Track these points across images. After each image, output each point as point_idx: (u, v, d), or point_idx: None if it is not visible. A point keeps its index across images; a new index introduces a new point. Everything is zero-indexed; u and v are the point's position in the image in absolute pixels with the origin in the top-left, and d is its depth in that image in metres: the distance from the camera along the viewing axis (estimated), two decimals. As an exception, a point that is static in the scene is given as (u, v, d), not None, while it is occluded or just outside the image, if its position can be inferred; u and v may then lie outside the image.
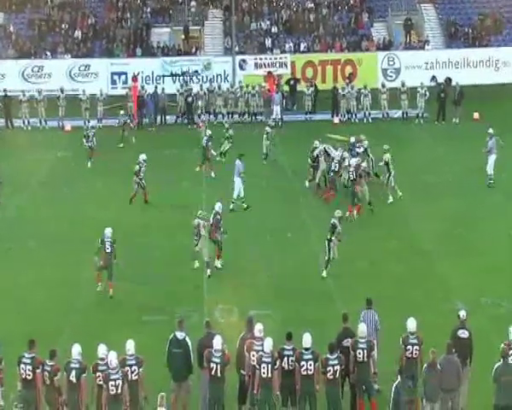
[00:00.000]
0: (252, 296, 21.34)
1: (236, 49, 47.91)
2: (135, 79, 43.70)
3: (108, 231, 22.29)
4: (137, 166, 28.81)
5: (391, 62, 47.63)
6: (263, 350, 15.36)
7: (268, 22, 50.87)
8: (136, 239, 25.73)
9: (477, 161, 31.58)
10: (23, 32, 50.45)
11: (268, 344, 15.35)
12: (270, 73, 45.14)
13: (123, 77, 47.01)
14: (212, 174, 32.15)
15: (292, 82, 45.47)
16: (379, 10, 51.74)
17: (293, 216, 27.96)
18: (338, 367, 15.28)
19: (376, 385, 16.03)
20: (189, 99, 42.44)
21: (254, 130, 36.02)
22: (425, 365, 15.26)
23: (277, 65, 47.12)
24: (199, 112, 42.27)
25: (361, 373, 15.74)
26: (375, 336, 16.77)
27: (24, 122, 41.96)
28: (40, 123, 41.87)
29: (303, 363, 15.29)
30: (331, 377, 15.28)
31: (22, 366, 15.27)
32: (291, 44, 49.03)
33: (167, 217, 27.96)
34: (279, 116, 41.48)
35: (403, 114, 42.16)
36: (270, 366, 15.19)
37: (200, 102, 42.56)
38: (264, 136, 34.18)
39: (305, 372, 15.28)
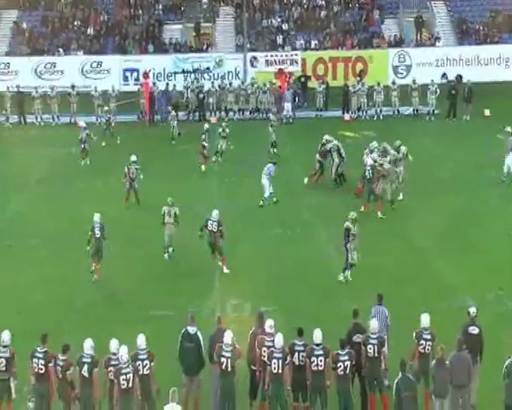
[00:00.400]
0: (262, 292, 21.38)
1: (248, 46, 48.37)
2: (146, 75, 44.02)
3: (97, 216, 22.73)
4: (126, 168, 28.22)
5: (402, 59, 47.94)
6: (274, 346, 15.44)
7: (279, 19, 51.32)
8: (143, 235, 25.66)
9: (488, 158, 31.68)
10: (36, 29, 51.12)
11: (279, 340, 15.36)
12: (281, 70, 45.37)
13: (135, 73, 47.56)
14: (203, 168, 32.26)
15: (303, 79, 45.69)
16: (390, 7, 52.15)
17: (301, 211, 28.06)
18: (348, 363, 15.27)
19: (387, 381, 16.07)
20: (201, 96, 42.73)
21: None
22: (434, 361, 15.26)
23: (288, 62, 47.55)
24: (210, 108, 42.61)
25: (372, 369, 15.73)
26: (386, 332, 16.83)
27: (37, 118, 42.26)
28: (53, 119, 42.20)
29: (314, 359, 15.30)
30: (342, 372, 15.29)
31: (35, 360, 15.35)
32: (302, 42, 49.53)
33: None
34: (290, 113, 41.71)
35: (414, 110, 42.28)
36: (280, 361, 15.20)
37: (211, 99, 42.83)
38: (270, 129, 34.48)
39: (315, 368, 15.29)
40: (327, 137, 30.66)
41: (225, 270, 22.96)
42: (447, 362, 15.17)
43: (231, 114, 42.70)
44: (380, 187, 27.26)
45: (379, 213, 26.92)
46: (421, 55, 48.01)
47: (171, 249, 24.05)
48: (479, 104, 40.60)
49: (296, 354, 15.48)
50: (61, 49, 49.34)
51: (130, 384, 14.75)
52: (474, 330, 16.22)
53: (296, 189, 30.31)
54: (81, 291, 22.06)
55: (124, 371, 14.77)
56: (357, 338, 15.99)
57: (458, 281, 22.09)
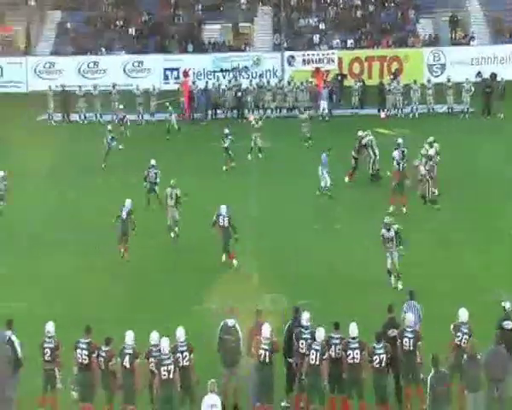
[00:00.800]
0: (299, 286, 21.55)
1: (285, 45, 48.92)
2: (186, 74, 44.95)
3: (128, 202, 24.16)
4: (145, 172, 28.27)
5: (436, 58, 48.30)
6: (312, 338, 15.78)
7: (316, 19, 51.91)
8: (184, 227, 25.88)
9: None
10: (80, 29, 52.19)
11: (320, 333, 15.61)
12: (317, 68, 45.96)
13: (175, 72, 48.40)
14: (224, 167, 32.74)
15: (339, 77, 46.21)
16: (425, 7, 52.29)
17: (338, 207, 28.36)
18: (384, 356, 15.42)
19: (422, 374, 15.96)
20: (239, 94, 43.58)
21: None
22: (465, 356, 15.31)
23: (325, 61, 48.06)
24: (248, 107, 43.35)
25: (408, 362, 15.82)
26: (419, 327, 16.87)
27: (80, 116, 43.16)
28: (96, 117, 42.95)
29: (350, 352, 15.52)
30: (377, 365, 15.44)
31: (78, 350, 15.67)
32: (338, 41, 50.04)
33: (212, 205, 28.50)
34: (326, 111, 42.44)
35: (448, 109, 42.54)
36: (319, 353, 15.44)
37: (249, 97, 43.59)
38: (303, 124, 35.28)
39: (351, 361, 15.51)
40: (360, 133, 31.03)
41: (235, 263, 23.26)
42: (479, 356, 15.23)
43: (269, 111, 43.54)
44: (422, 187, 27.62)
45: (403, 209, 27.12)
46: (455, 54, 48.28)
47: (175, 230, 24.97)
48: (513, 102, 40.61)
49: (333, 347, 15.73)
50: (103, 49, 50.38)
51: (171, 376, 15.09)
52: (508, 324, 16.28)
53: (336, 184, 30.21)
54: (122, 281, 22.58)
55: (165, 362, 15.11)
56: (392, 333, 16.18)
57: (492, 275, 22.13)
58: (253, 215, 27.51)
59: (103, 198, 28.93)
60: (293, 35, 50.92)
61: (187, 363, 15.53)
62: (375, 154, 30.51)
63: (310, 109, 41.05)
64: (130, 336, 15.64)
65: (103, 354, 15.61)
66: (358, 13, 52.05)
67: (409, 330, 15.95)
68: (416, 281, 20.75)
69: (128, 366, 15.41)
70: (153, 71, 48.84)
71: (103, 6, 53.77)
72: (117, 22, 52.44)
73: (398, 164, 27.97)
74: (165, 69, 49.06)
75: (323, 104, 42.39)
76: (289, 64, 48.38)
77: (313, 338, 15.77)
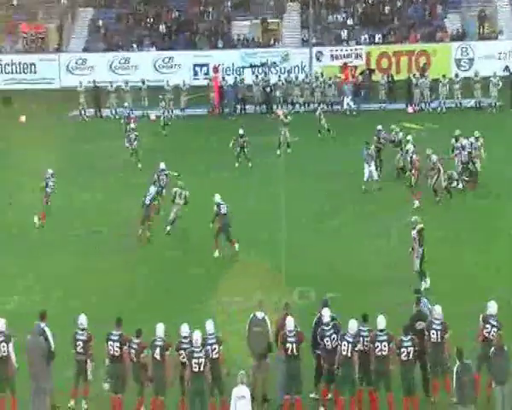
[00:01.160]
0: (327, 279, 21.55)
1: (313, 40, 49.10)
2: (216, 70, 45.40)
3: (152, 188, 25.75)
4: (155, 176, 28.25)
5: (464, 53, 48.28)
6: (336, 332, 15.86)
7: (344, 15, 52.07)
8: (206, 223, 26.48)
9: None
10: (111, 26, 52.75)
11: (353, 325, 15.75)
12: (345, 64, 46.29)
13: (204, 68, 48.82)
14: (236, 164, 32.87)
15: (367, 72, 46.49)
16: (453, 2, 52.25)
17: (365, 202, 28.50)
18: (412, 349, 15.51)
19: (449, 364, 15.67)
20: (268, 89, 44.00)
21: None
22: (492, 348, 15.34)
23: (353, 56, 48.26)
24: (277, 102, 43.79)
25: (435, 354, 15.89)
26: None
27: (112, 112, 43.73)
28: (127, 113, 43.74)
29: (378, 344, 15.58)
30: (405, 358, 15.54)
31: (110, 342, 15.78)
32: (366, 36, 50.18)
33: (242, 199, 28.97)
34: (351, 106, 42.67)
35: (476, 103, 42.63)
36: (351, 345, 15.59)
37: (278, 92, 44.01)
38: (320, 117, 35.91)
39: (379, 353, 15.57)
40: (379, 126, 31.48)
41: (236, 247, 23.99)
42: (506, 348, 15.23)
43: (297, 106, 43.93)
44: (434, 179, 27.65)
45: (416, 203, 27.24)
46: (483, 49, 48.16)
47: (169, 228, 25.75)
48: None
49: (361, 339, 15.79)
50: (134, 45, 50.87)
51: (202, 368, 15.23)
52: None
53: (359, 179, 30.43)
54: (154, 274, 22.91)
55: (196, 354, 15.24)
56: (420, 325, 16.25)
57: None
58: (281, 209, 27.75)
59: (133, 193, 28.92)
60: (322, 31, 51.12)
61: (216, 355, 15.68)
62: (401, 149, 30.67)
63: (334, 104, 41.39)
64: (160, 329, 15.81)
65: (134, 347, 15.77)
66: (386, 8, 52.10)
67: (437, 322, 16.01)
68: (444, 275, 21.12)
69: (159, 358, 15.58)
70: (182, 67, 49.22)
71: (134, 3, 54.18)
72: (147, 19, 52.91)
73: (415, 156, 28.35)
74: (195, 65, 49.47)
75: (347, 100, 42.60)
76: (317, 60, 48.57)
77: (336, 332, 15.97)
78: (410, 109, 42.86)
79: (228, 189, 29.47)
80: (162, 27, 52.15)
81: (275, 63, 48.78)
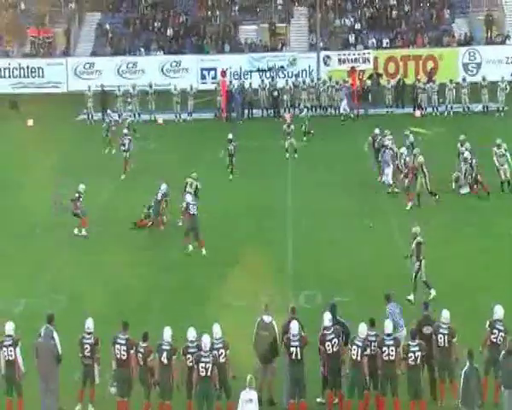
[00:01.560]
0: (334, 283, 21.62)
1: (321, 45, 49.25)
2: (224, 73, 45.46)
3: (164, 186, 26.11)
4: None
5: (472, 57, 48.31)
6: (337, 337, 15.89)
7: (351, 19, 52.14)
8: (220, 223, 26.64)
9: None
10: (118, 30, 52.91)
11: (363, 329, 15.80)
12: (353, 68, 46.26)
13: (212, 72, 48.93)
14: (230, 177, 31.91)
15: (374, 76, 46.42)
16: (460, 6, 52.41)
17: (376, 203, 28.45)
18: (419, 354, 15.52)
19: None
20: (275, 93, 43.98)
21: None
22: (503, 352, 15.36)
23: (360, 60, 48.27)
24: (284, 106, 43.80)
25: (442, 358, 15.93)
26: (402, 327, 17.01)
27: (119, 115, 43.55)
28: (134, 116, 43.19)
29: (385, 349, 15.61)
30: (412, 362, 15.55)
31: (117, 346, 15.81)
32: (374, 40, 50.23)
33: (250, 200, 29.15)
34: (347, 111, 42.54)
35: (483, 107, 42.54)
36: (360, 349, 15.67)
37: (285, 96, 43.96)
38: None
39: (386, 358, 15.61)
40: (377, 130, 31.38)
41: (203, 252, 24.12)
42: None
43: (305, 110, 43.84)
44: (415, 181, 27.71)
45: (409, 205, 27.43)
46: (491, 53, 48.25)
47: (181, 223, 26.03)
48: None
49: (368, 343, 15.83)
50: (142, 49, 51.02)
51: (209, 373, 15.28)
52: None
53: (370, 181, 30.67)
54: (159, 276, 22.92)
55: (203, 359, 15.30)
56: (427, 330, 16.25)
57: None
58: (288, 212, 27.92)
59: (144, 194, 28.87)
60: (329, 35, 51.18)
61: (223, 360, 15.73)
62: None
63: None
64: (167, 333, 15.84)
65: (141, 350, 15.81)
66: (394, 12, 52.17)
67: (444, 326, 16.02)
68: (455, 277, 21.19)
69: (166, 362, 15.60)
70: (190, 71, 49.40)
71: (141, 7, 54.41)
72: (155, 23, 53.04)
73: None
74: (202, 69, 49.62)
75: (343, 104, 42.56)
76: (325, 64, 48.65)
77: (338, 336, 15.97)
78: (417, 113, 42.74)
79: (234, 191, 30.12)
80: (169, 31, 52.28)
81: (282, 67, 48.85)
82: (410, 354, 15.62)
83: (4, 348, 15.93)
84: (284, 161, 34.07)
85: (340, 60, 48.63)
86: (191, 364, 15.55)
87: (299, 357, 15.88)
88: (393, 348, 15.65)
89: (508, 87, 41.83)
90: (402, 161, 29.09)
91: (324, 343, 16.03)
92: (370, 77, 46.41)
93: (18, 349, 15.98)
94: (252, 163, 33.80)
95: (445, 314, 16.13)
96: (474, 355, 15.00)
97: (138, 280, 22.57)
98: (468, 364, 14.90)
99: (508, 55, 48.09)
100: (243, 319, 18.14)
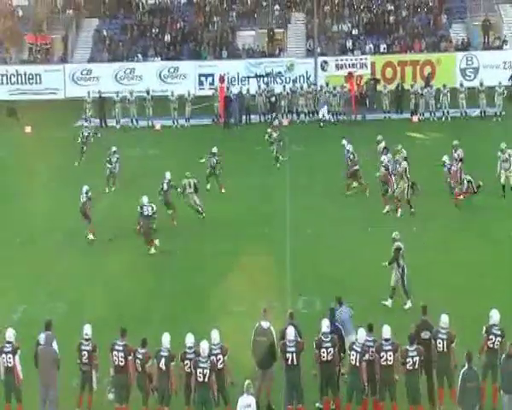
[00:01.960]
0: (332, 288, 21.18)
1: (318, 50, 49.30)
2: (222, 79, 45.47)
3: (167, 173, 27.29)
4: (160, 185, 27.82)
5: (469, 62, 48.36)
6: (333, 346, 15.89)
7: (349, 24, 52.17)
8: (219, 229, 26.74)
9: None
10: (116, 36, 52.94)
11: (362, 335, 15.86)
12: (350, 73, 46.29)
13: (210, 78, 48.94)
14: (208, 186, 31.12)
15: (372, 82, 46.53)
16: (457, 12, 52.45)
17: (373, 210, 28.33)
18: (417, 359, 15.49)
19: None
20: (273, 99, 44.01)
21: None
22: (503, 356, 15.37)
23: (358, 66, 48.33)
24: (282, 111, 43.83)
25: (441, 363, 15.88)
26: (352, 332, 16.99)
27: (117, 122, 43.72)
28: (132, 122, 43.55)
29: (383, 354, 15.61)
30: (410, 367, 15.52)
31: (115, 352, 15.85)
32: (371, 46, 50.29)
33: (245, 207, 29.17)
34: (326, 117, 42.54)
35: (481, 112, 42.53)
36: (359, 355, 15.66)
37: (283, 102, 43.98)
38: (267, 139, 34.79)
39: (384, 363, 15.59)
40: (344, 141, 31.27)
41: (152, 250, 25.02)
42: None
43: (302, 116, 43.93)
44: (399, 187, 27.62)
45: (386, 208, 27.57)
46: (488, 58, 48.21)
47: (199, 210, 27.27)
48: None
49: (367, 349, 15.84)
50: (139, 56, 51.07)
51: (206, 379, 15.30)
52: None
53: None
54: (157, 282, 22.91)
55: (201, 365, 15.31)
56: (426, 335, 16.24)
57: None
58: (285, 217, 27.94)
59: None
60: (327, 40, 51.23)
61: (221, 365, 15.75)
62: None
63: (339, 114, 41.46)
64: (166, 339, 15.87)
65: (140, 357, 15.82)
66: (391, 18, 52.23)
67: (443, 331, 16.00)
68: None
69: (164, 368, 15.63)
70: (188, 77, 49.39)
71: (139, 14, 54.49)
72: (152, 29, 53.07)
73: (387, 168, 28.25)
74: (200, 75, 49.62)
75: (323, 111, 42.56)
76: (323, 69, 48.67)
77: (334, 346, 15.96)
78: (414, 119, 42.75)
79: (232, 196, 30.10)
80: (167, 37, 52.32)
81: (280, 73, 48.87)
82: (408, 359, 15.57)
83: (4, 355, 15.98)
84: (282, 167, 34.10)
85: (337, 65, 48.64)
86: (189, 370, 15.55)
87: (295, 362, 15.87)
88: (391, 354, 15.63)
89: (505, 92, 41.97)
90: (382, 168, 28.67)
91: (320, 349, 16.03)
92: (367, 82, 46.42)
93: (17, 357, 16.01)
94: (250, 168, 33.94)
95: (444, 319, 16.09)
96: (472, 358, 15.00)
97: (138, 286, 22.62)
98: (466, 366, 14.90)
99: (505, 60, 48.07)
100: (242, 325, 18.19)
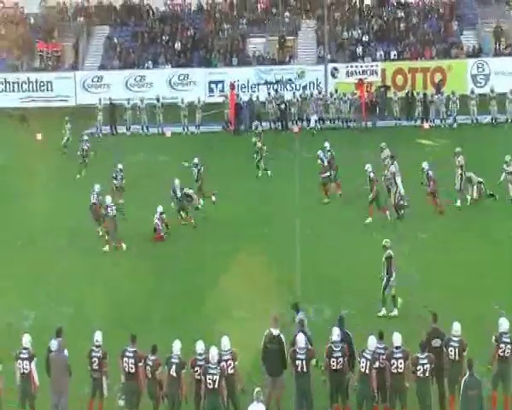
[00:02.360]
0: (343, 296, 21.66)
1: (328, 57, 49.20)
2: (232, 86, 45.49)
3: (176, 181, 27.90)
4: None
5: (480, 69, 48.24)
6: (343, 356, 15.91)
7: (359, 31, 52.06)
8: (228, 232, 26.90)
9: None
10: (127, 43, 53.01)
11: (372, 342, 15.83)
12: (360, 80, 46.23)
13: (220, 85, 49.03)
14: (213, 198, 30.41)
15: (382, 89, 46.54)
16: (469, 18, 52.31)
17: (377, 218, 28.18)
18: (428, 366, 15.48)
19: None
20: (282, 106, 44.01)
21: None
22: None
23: (368, 73, 48.31)
24: (292, 118, 43.83)
25: (453, 371, 15.83)
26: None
27: (127, 128, 43.86)
28: (142, 129, 43.70)
29: (393, 361, 15.60)
30: (421, 375, 15.51)
31: (125, 359, 15.87)
32: (382, 52, 50.19)
33: (258, 210, 29.37)
34: (313, 125, 42.58)
35: (492, 119, 42.50)
36: (369, 362, 15.67)
37: (293, 109, 43.99)
38: (254, 139, 34.79)
39: (395, 370, 15.59)
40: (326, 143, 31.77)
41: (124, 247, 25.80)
42: None
43: (312, 123, 43.89)
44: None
45: (369, 219, 27.54)
46: (499, 65, 48.06)
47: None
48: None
49: (377, 356, 15.84)
50: (150, 63, 51.19)
51: (216, 385, 15.32)
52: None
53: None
54: (166, 288, 22.98)
55: (211, 371, 15.34)
56: (436, 343, 16.25)
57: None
58: (295, 224, 27.91)
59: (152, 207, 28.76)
60: (337, 47, 51.20)
61: (231, 371, 15.76)
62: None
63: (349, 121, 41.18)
64: (177, 346, 15.88)
65: (150, 363, 15.85)
66: (402, 25, 52.14)
67: (455, 339, 15.98)
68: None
69: (175, 375, 15.64)
70: (198, 84, 49.46)
71: (149, 21, 54.61)
72: (163, 37, 53.13)
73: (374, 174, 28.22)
74: (210, 82, 49.66)
75: (312, 119, 42.65)
76: (333, 76, 48.62)
77: (343, 356, 15.95)
78: (425, 125, 42.70)
79: (241, 202, 30.09)
80: (177, 45, 52.34)
81: (290, 80, 48.85)
82: (418, 367, 15.55)
83: (20, 361, 16.04)
84: (292, 172, 34.10)
85: (347, 72, 48.61)
86: (199, 377, 15.55)
87: (304, 370, 15.87)
88: (402, 361, 15.59)
89: (516, 99, 41.83)
90: (368, 175, 28.57)
91: (330, 358, 16.03)
92: (377, 89, 46.35)
93: (34, 363, 16.06)
94: (262, 175, 33.78)
95: (456, 327, 16.06)
96: (473, 365, 14.96)
97: (141, 289, 22.70)
98: (468, 373, 14.90)
99: (516, 67, 47.95)
100: (250, 332, 18.24)
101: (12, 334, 18.95)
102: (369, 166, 28.29)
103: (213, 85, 49.49)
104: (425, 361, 15.55)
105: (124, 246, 26.11)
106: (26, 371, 15.98)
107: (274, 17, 53.96)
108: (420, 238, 26.10)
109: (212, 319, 19.88)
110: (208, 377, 15.31)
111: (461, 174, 28.89)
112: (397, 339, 15.82)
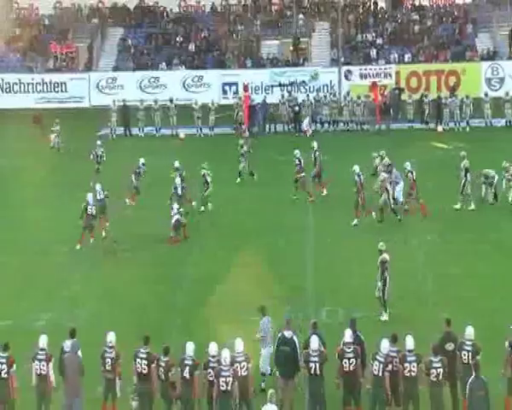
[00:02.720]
0: (356, 299, 21.52)
1: (342, 59, 49.14)
2: (246, 88, 45.51)
3: (178, 179, 28.37)
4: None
5: (495, 72, 48.10)
6: (355, 357, 15.91)
7: (373, 34, 52.11)
8: (240, 237, 26.87)
9: None
10: (141, 45, 53.28)
11: (385, 346, 15.81)
12: (374, 82, 46.10)
13: (233, 87, 49.07)
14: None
15: (396, 91, 46.36)
16: (483, 21, 52.15)
17: (386, 221, 28.17)
18: (441, 370, 15.48)
19: None
20: (296, 108, 43.99)
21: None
22: None
23: (382, 75, 48.28)
24: (305, 120, 43.79)
25: (466, 375, 15.65)
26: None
27: (140, 130, 43.80)
28: (156, 131, 43.74)
29: (406, 365, 15.60)
30: (434, 378, 15.51)
31: (138, 360, 15.89)
32: (396, 55, 50.10)
33: (269, 215, 29.34)
34: (306, 128, 42.56)
35: (506, 122, 42.45)
36: (382, 365, 15.65)
37: (305, 112, 43.94)
38: (240, 141, 34.63)
39: (408, 374, 15.58)
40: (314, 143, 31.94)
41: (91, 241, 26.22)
42: None
43: (326, 125, 43.89)
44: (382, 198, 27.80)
45: (355, 221, 27.57)
46: (514, 68, 48.16)
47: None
48: None
49: (390, 359, 15.81)
50: (163, 64, 51.31)
51: (229, 387, 15.34)
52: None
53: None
54: (176, 291, 23.04)
55: (224, 373, 15.35)
56: (450, 346, 16.26)
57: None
58: (308, 229, 27.88)
59: (163, 209, 28.80)
60: (351, 50, 51.19)
61: (245, 373, 15.77)
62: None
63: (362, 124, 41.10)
64: (190, 348, 15.89)
65: (163, 365, 15.85)
66: (416, 27, 52.09)
67: (468, 343, 15.99)
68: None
69: (188, 376, 15.64)
70: (212, 86, 49.52)
71: (163, 23, 54.78)
72: (177, 38, 53.28)
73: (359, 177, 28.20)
74: (224, 84, 49.72)
75: (305, 122, 42.65)
76: (346, 78, 48.60)
77: (356, 357, 15.94)
78: (439, 128, 42.57)
79: (254, 205, 30.19)
80: (191, 46, 52.47)
81: (304, 82, 48.83)
82: (432, 371, 15.53)
83: (37, 362, 16.09)
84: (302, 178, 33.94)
85: (361, 75, 48.63)
86: (212, 378, 15.55)
87: (317, 372, 15.88)
88: (415, 365, 15.59)
89: (531, 102, 41.69)
90: (355, 177, 28.49)
91: (342, 360, 16.03)
92: (390, 92, 46.22)
93: (51, 365, 16.12)
94: (273, 178, 33.85)
95: (469, 331, 16.07)
96: (479, 366, 15.02)
97: (155, 297, 22.64)
98: (473, 375, 14.96)
99: (531, 70, 47.79)
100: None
101: (25, 335, 18.91)
102: (356, 168, 28.29)
103: (227, 87, 49.53)
104: (438, 365, 15.54)
105: (78, 246, 26.21)
106: (43, 373, 16.02)
107: (288, 19, 54.01)
108: (428, 240, 26.14)
109: (224, 322, 19.85)
110: (221, 379, 15.32)
111: (462, 178, 28.79)
112: (410, 342, 15.80)
